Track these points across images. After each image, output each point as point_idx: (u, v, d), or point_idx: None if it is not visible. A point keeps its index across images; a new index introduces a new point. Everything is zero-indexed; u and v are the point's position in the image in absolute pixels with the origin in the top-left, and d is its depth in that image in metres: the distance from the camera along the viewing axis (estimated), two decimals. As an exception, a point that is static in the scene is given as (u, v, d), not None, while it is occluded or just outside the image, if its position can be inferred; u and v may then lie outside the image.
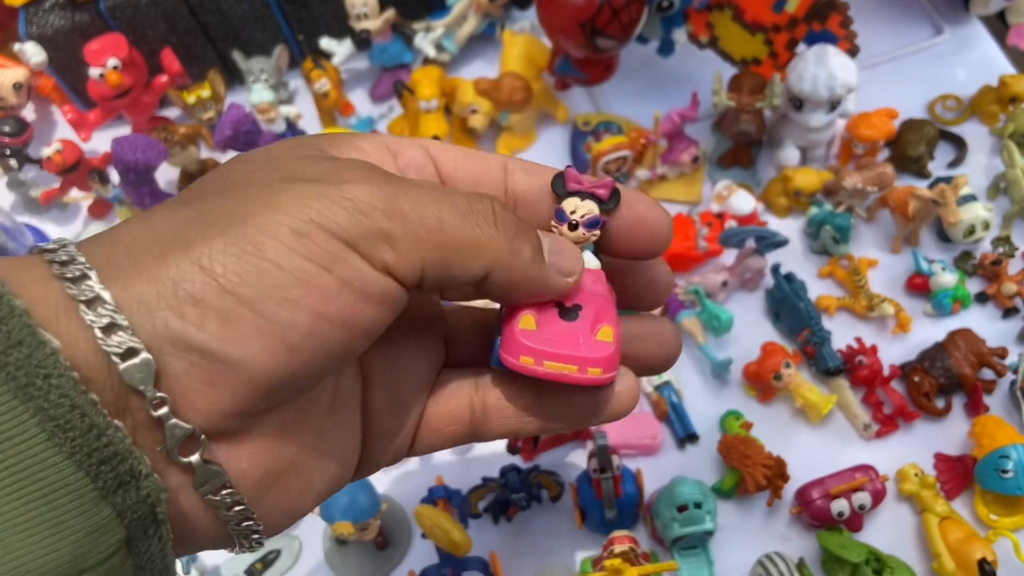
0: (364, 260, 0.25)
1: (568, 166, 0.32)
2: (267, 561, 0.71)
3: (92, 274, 0.23)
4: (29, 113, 0.94)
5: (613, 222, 0.31)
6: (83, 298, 0.22)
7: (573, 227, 0.31)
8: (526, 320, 0.30)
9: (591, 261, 0.32)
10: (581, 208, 0.31)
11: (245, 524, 0.26)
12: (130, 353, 0.22)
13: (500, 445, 0.73)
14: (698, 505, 0.65)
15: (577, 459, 0.76)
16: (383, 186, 0.25)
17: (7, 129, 0.82)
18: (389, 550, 0.72)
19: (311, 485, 0.28)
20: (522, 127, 0.92)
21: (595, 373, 0.29)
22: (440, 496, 0.71)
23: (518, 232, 0.28)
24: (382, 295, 0.25)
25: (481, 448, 0.77)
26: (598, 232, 0.31)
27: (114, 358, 0.22)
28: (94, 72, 0.85)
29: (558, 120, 0.94)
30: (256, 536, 0.27)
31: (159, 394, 0.23)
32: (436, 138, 0.86)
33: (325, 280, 0.24)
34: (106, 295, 0.22)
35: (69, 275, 0.23)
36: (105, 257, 0.24)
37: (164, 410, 0.23)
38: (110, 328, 0.22)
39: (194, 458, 0.24)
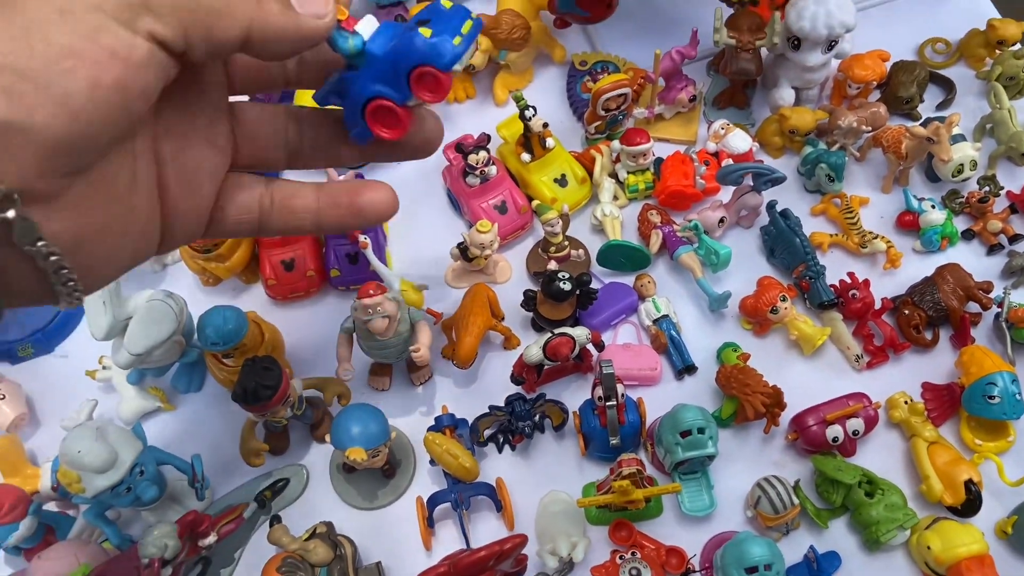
0: (127, 29, 0.28)
1: None
2: (276, 489, 0.72)
3: None
4: None
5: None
6: None
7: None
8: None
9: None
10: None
11: (62, 273, 0.30)
12: None
13: (503, 377, 0.75)
14: (701, 430, 0.67)
15: (578, 389, 0.78)
16: None
17: None
18: (396, 478, 0.73)
19: (119, 248, 0.33)
20: (520, 66, 0.92)
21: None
22: (447, 424, 0.72)
23: None
24: (148, 59, 0.29)
25: (484, 379, 0.78)
26: None
27: None
28: None
29: (555, 60, 0.94)
30: (72, 284, 0.31)
31: None
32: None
33: (93, 50, 0.27)
34: None
35: None
36: None
37: None
38: None
39: (10, 213, 0.27)
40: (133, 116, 0.30)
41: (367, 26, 0.35)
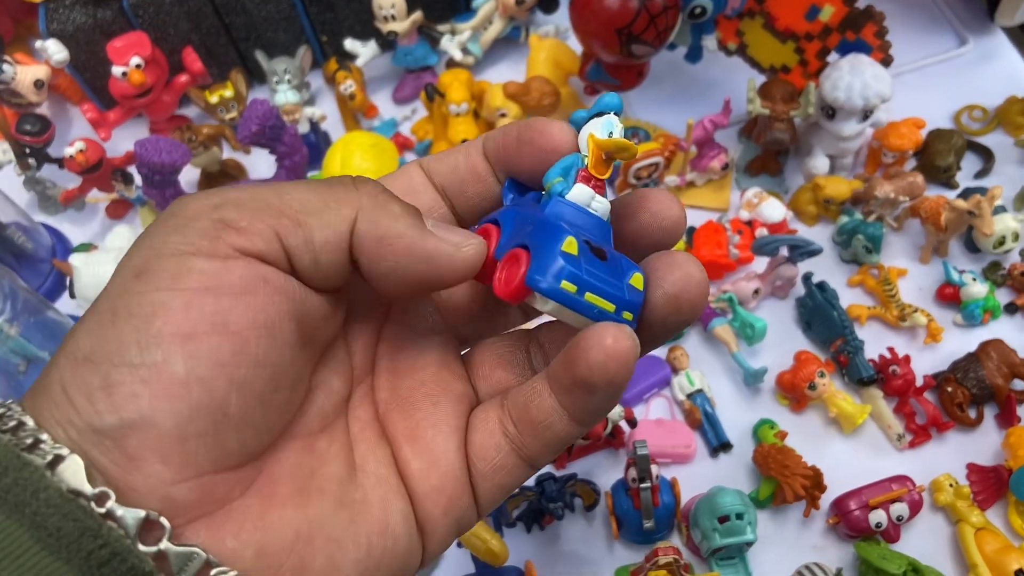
0: (210, 258, 0.23)
1: None
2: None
3: (14, 407, 0.23)
4: (43, 110, 0.93)
5: (627, 228, 0.30)
6: (5, 427, 0.23)
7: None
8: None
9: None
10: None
11: None
12: (57, 460, 0.22)
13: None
14: (739, 516, 0.65)
15: (610, 466, 0.75)
16: (213, 192, 0.25)
17: (30, 128, 0.80)
18: (421, 559, 0.71)
19: (341, 557, 0.26)
20: (549, 132, 0.91)
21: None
22: (475, 505, 0.70)
23: (382, 189, 0.27)
24: (247, 281, 0.24)
25: (513, 456, 0.76)
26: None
27: (46, 471, 0.22)
28: (116, 70, 0.84)
29: (584, 125, 0.93)
30: None
31: (95, 490, 0.22)
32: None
33: (179, 297, 0.23)
34: (27, 420, 0.23)
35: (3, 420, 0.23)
36: (28, 393, 0.24)
37: (110, 503, 0.22)
38: (34, 445, 0.22)
39: (163, 544, 0.22)
40: (266, 357, 0.24)
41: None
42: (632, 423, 0.73)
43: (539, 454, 0.29)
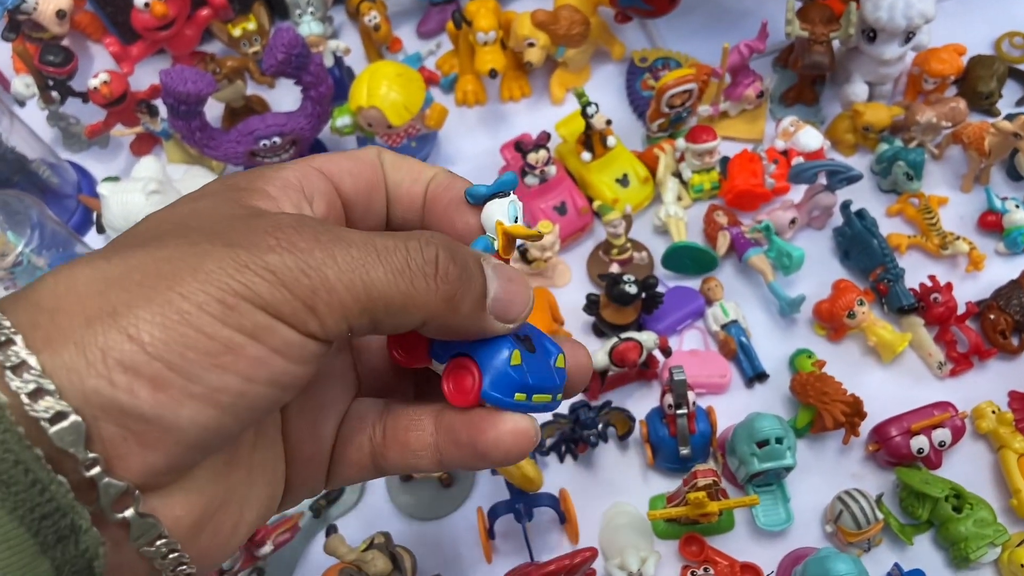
0: (292, 329, 0.25)
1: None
2: (331, 499, 0.70)
3: (17, 339, 0.22)
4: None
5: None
6: (8, 364, 0.22)
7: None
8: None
9: None
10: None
11: (179, 568, 0.26)
12: (59, 417, 0.22)
13: (566, 383, 0.72)
14: (779, 440, 0.64)
15: (642, 397, 0.74)
16: (308, 253, 0.25)
17: (52, 58, 0.79)
18: (454, 487, 0.71)
19: (243, 518, 0.28)
20: (577, 63, 0.89)
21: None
22: (508, 433, 0.69)
23: (461, 285, 0.27)
24: (308, 357, 0.26)
25: (545, 386, 0.75)
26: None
27: (43, 423, 0.22)
28: (139, 1, 0.82)
29: (614, 57, 0.91)
30: (184, 569, 0.26)
31: (91, 455, 0.22)
32: (493, 72, 0.83)
33: (254, 349, 0.24)
34: (32, 361, 0.22)
35: None
36: (30, 321, 0.23)
37: (97, 470, 0.22)
38: (37, 393, 0.22)
39: (128, 513, 0.23)
40: (279, 405, 0.27)
41: None
42: (667, 352, 0.72)
43: (392, 469, 0.32)
